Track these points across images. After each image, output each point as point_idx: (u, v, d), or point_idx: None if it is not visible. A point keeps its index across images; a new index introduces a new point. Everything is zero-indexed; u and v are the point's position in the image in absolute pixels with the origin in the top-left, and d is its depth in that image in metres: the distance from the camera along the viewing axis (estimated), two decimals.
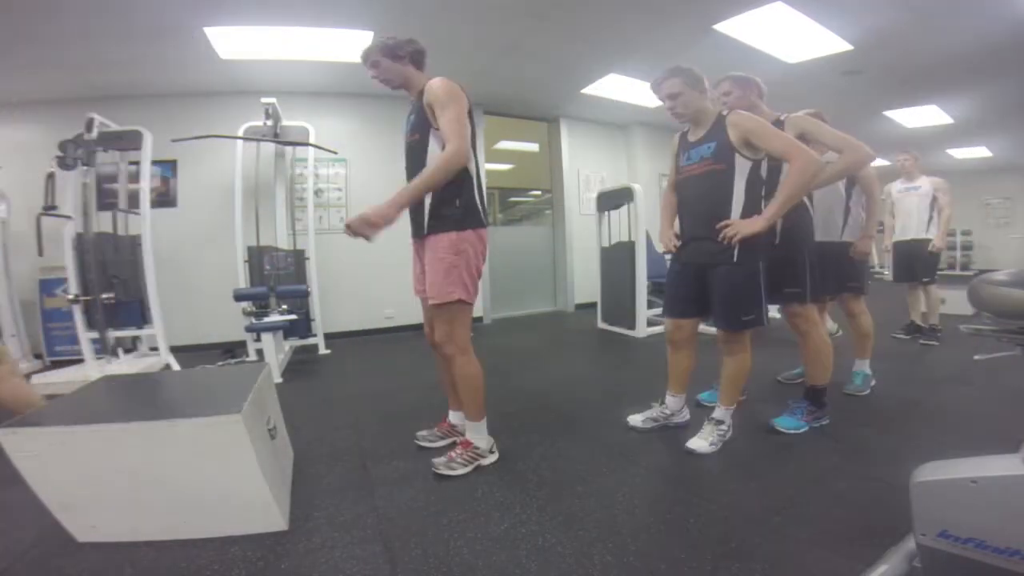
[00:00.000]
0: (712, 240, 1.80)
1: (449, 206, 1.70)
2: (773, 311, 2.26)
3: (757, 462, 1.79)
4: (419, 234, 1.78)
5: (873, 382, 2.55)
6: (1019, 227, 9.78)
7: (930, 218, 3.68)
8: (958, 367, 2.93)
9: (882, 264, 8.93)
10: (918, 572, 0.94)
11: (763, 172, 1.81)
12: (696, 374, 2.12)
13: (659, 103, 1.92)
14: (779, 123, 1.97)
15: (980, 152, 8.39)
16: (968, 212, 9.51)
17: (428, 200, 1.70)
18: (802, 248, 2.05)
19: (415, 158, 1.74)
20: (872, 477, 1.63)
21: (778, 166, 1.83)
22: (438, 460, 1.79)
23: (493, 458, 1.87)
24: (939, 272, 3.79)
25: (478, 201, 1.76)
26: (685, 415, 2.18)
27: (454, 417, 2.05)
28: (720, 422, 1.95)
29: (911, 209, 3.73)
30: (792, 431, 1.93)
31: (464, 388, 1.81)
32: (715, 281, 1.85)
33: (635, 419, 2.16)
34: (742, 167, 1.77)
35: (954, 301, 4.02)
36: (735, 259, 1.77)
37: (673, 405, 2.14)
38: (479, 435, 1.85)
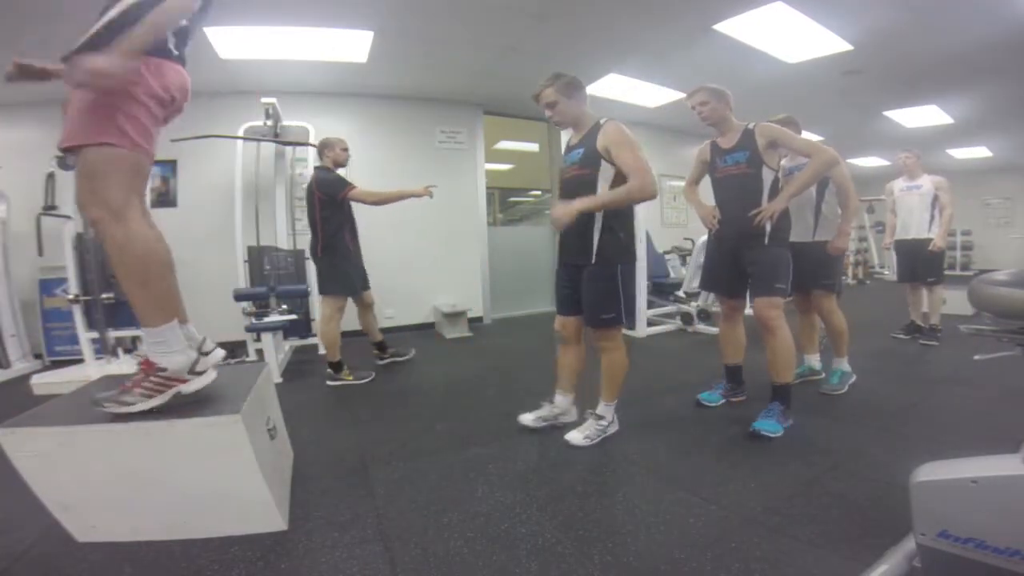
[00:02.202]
0: (579, 241, 1.91)
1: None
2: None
3: (756, 462, 1.79)
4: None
5: (853, 379, 2.56)
6: (1019, 227, 9.75)
7: (931, 217, 3.68)
8: (958, 367, 2.93)
9: (882, 264, 8.94)
10: (918, 572, 0.94)
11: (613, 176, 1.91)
12: (696, 374, 2.11)
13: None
14: (749, 131, 2.07)
15: (980, 152, 8.38)
16: (968, 212, 9.48)
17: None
18: (788, 248, 2.15)
19: None
20: (872, 477, 1.63)
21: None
22: (102, 395, 1.31)
23: (198, 383, 1.34)
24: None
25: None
26: (572, 415, 2.19)
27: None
28: (600, 417, 2.03)
29: (912, 208, 3.72)
30: (774, 434, 1.93)
31: (122, 277, 1.30)
32: (582, 283, 1.95)
33: (526, 418, 2.18)
34: (606, 172, 1.87)
35: (954, 301, 4.00)
36: (593, 260, 1.90)
37: (562, 404, 2.18)
38: (165, 350, 1.30)
